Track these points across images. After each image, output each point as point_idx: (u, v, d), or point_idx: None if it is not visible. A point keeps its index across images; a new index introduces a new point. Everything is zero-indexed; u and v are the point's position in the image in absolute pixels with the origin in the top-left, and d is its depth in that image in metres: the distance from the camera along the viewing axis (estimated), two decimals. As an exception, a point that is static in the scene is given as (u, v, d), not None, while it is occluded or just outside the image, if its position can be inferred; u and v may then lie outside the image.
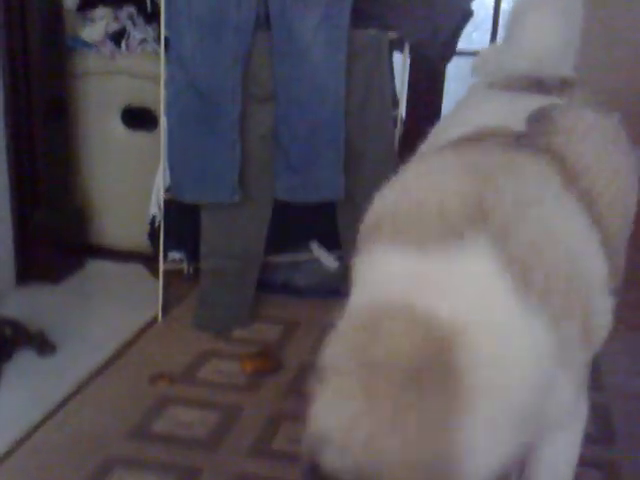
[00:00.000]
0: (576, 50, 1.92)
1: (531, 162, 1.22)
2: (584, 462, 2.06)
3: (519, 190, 1.11)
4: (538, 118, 1.37)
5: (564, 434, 1.45)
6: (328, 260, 3.19)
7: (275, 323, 2.95)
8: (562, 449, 1.49)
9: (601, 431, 2.27)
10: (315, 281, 3.18)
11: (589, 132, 1.34)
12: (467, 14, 2.94)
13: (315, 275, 3.19)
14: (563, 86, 1.72)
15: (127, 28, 3.24)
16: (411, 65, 4.16)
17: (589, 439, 2.18)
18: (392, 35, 2.85)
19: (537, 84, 1.68)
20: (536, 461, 1.49)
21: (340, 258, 3.09)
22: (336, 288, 3.01)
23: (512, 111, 1.43)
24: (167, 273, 2.94)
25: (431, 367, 0.93)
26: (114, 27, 3.24)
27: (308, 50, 2.69)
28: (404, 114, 3.37)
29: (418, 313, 0.97)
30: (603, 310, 1.19)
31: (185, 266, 3.12)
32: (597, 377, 2.55)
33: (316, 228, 3.17)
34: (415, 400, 0.92)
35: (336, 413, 0.96)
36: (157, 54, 2.91)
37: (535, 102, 1.48)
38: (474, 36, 5.67)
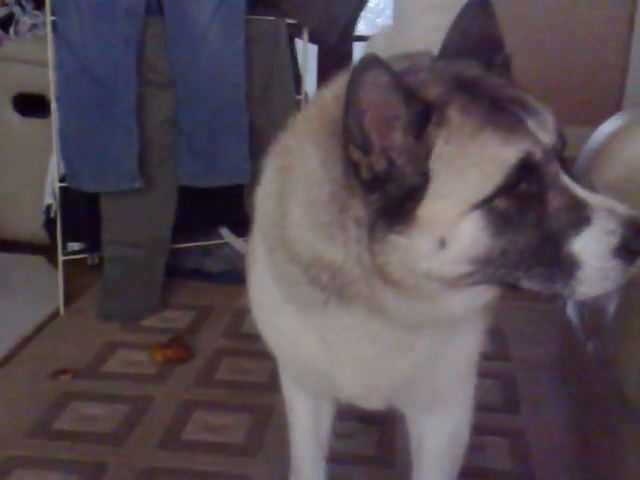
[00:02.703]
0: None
1: None
2: (491, 430, 2.08)
3: None
4: None
5: (452, 409, 1.46)
6: (238, 244, 3.11)
7: (186, 310, 2.84)
8: (451, 424, 1.48)
9: (507, 400, 2.27)
10: (227, 266, 3.10)
11: None
12: (362, 0, 2.91)
13: (226, 260, 3.12)
14: None
15: (15, 13, 3.08)
16: (319, 51, 4.14)
17: (495, 408, 2.21)
18: (290, 21, 2.80)
19: None
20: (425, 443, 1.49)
21: (250, 242, 3.02)
22: (247, 273, 2.94)
23: None
24: (69, 263, 2.79)
25: None
26: (1, 12, 3.08)
27: (204, 36, 2.59)
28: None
29: None
30: None
31: (89, 256, 2.98)
32: (503, 347, 2.56)
33: (226, 214, 3.08)
34: None
35: None
36: (49, 39, 2.76)
37: None
38: (378, 22, 5.72)
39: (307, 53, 2.94)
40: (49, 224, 2.82)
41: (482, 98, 1.05)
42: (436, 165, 1.03)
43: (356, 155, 1.04)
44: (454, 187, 1.02)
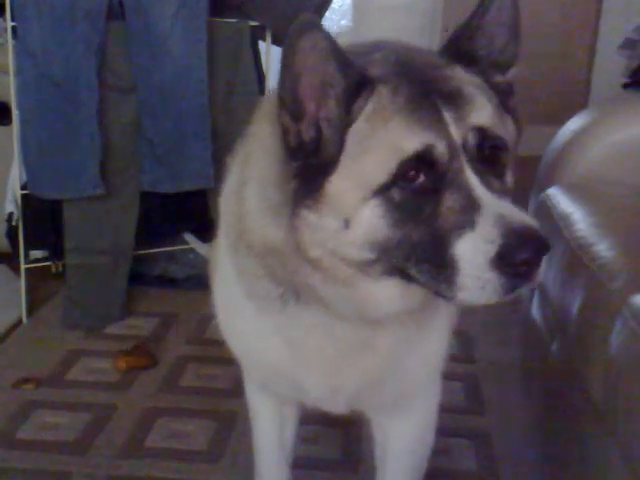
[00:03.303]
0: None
1: None
2: (456, 432, 2.10)
3: None
4: None
5: (417, 413, 1.46)
6: (204, 249, 3.10)
7: (151, 317, 2.83)
8: (416, 427, 1.49)
9: (471, 401, 2.29)
10: (191, 272, 3.09)
11: None
12: (325, 2, 2.93)
13: (191, 266, 3.10)
14: None
15: (-25, 20, 3.03)
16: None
17: (460, 410, 2.23)
18: (253, 24, 2.80)
19: None
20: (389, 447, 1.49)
21: (215, 247, 3.01)
22: (213, 278, 2.94)
23: None
24: (33, 272, 2.77)
25: None
26: (-38, 19, 3.03)
27: (166, 40, 2.59)
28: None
29: None
30: None
31: (53, 264, 2.96)
32: (467, 349, 2.58)
33: (190, 220, 3.08)
34: None
35: None
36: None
37: None
38: (342, 23, 5.77)
39: (270, 55, 2.94)
40: (11, 232, 2.80)
41: (414, 85, 1.04)
42: (350, 140, 1.03)
43: (286, 120, 1.04)
44: (357, 167, 1.02)
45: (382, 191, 1.00)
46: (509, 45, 1.15)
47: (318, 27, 0.98)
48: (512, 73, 1.16)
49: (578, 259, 1.67)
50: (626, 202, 1.89)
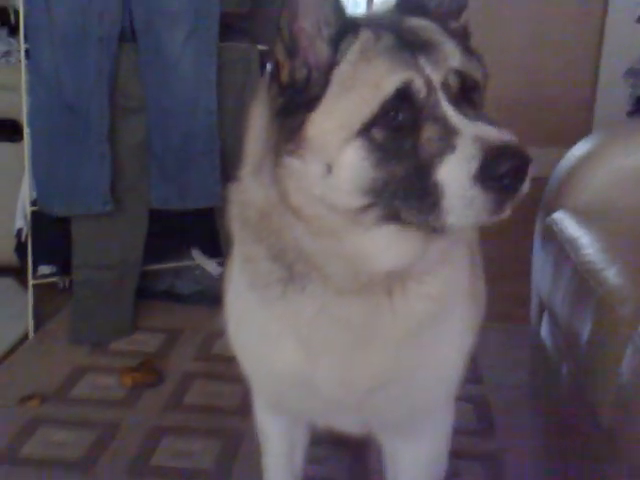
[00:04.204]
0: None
1: None
2: (465, 455, 2.06)
3: None
4: None
5: (431, 436, 1.43)
6: (210, 266, 3.09)
7: (156, 332, 2.80)
8: (429, 448, 1.45)
9: (481, 423, 2.24)
10: (198, 288, 3.07)
11: None
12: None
13: (198, 282, 3.09)
14: None
15: (-12, 41, 3.05)
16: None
17: (469, 432, 2.20)
18: (262, 48, 2.81)
19: None
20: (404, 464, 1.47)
21: (222, 264, 3.00)
22: (219, 295, 2.92)
23: None
24: (40, 287, 2.75)
25: None
26: (-25, 40, 3.03)
27: (177, 63, 2.59)
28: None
29: None
30: None
31: (60, 279, 2.94)
32: (475, 370, 2.54)
33: (198, 236, 3.07)
34: None
35: None
36: (24, 66, 2.74)
37: None
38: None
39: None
40: (20, 248, 2.78)
41: (392, 34, 1.09)
42: (334, 81, 1.07)
43: (281, 54, 1.08)
44: (339, 106, 1.05)
45: (364, 131, 1.03)
46: None
47: None
48: (464, 17, 1.21)
49: (586, 283, 1.65)
50: (633, 227, 1.87)
